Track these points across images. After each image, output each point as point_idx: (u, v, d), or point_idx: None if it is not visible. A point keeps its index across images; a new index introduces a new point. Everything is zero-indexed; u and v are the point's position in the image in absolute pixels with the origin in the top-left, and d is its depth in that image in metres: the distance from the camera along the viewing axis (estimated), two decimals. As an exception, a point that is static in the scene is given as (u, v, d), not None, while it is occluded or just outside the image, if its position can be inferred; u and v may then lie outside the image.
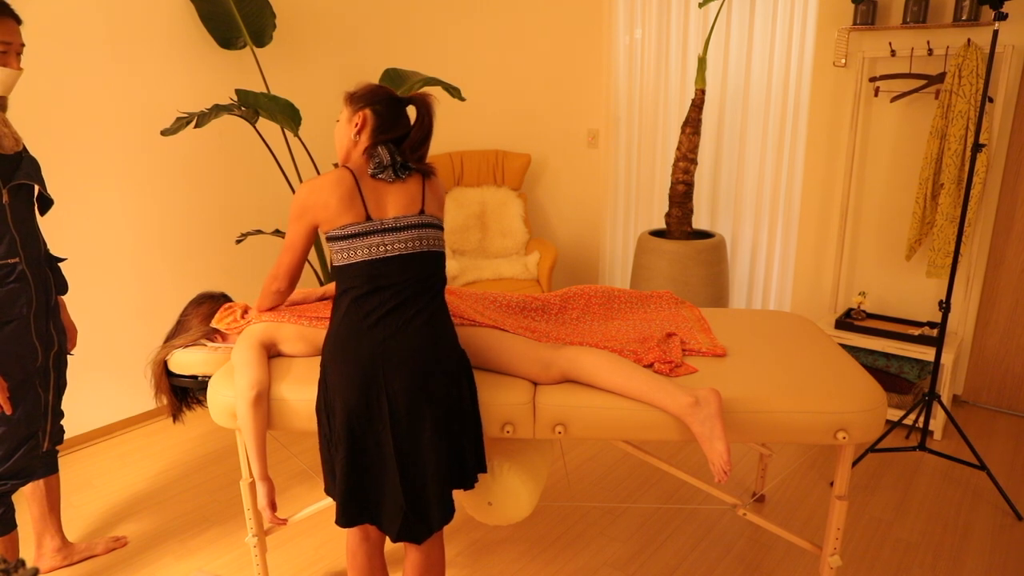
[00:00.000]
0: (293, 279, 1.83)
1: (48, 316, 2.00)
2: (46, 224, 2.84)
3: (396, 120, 1.69)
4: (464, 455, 1.68)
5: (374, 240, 1.62)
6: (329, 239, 1.65)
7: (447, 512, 1.63)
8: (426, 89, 4.31)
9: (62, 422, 2.14)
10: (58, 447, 2.21)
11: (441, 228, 1.74)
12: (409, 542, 1.65)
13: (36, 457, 2.00)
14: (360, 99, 1.69)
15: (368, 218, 1.62)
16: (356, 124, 1.68)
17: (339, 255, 1.63)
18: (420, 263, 1.65)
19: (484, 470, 1.75)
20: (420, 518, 1.62)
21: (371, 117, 1.68)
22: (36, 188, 1.97)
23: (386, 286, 1.61)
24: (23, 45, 1.82)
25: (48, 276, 2.01)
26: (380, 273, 1.61)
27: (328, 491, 1.70)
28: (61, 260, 2.14)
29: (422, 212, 1.68)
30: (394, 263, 1.62)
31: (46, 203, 2.04)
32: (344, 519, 1.63)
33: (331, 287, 2.22)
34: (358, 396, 1.58)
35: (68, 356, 2.18)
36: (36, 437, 1.98)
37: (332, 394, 1.62)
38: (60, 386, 2.09)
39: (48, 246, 2.12)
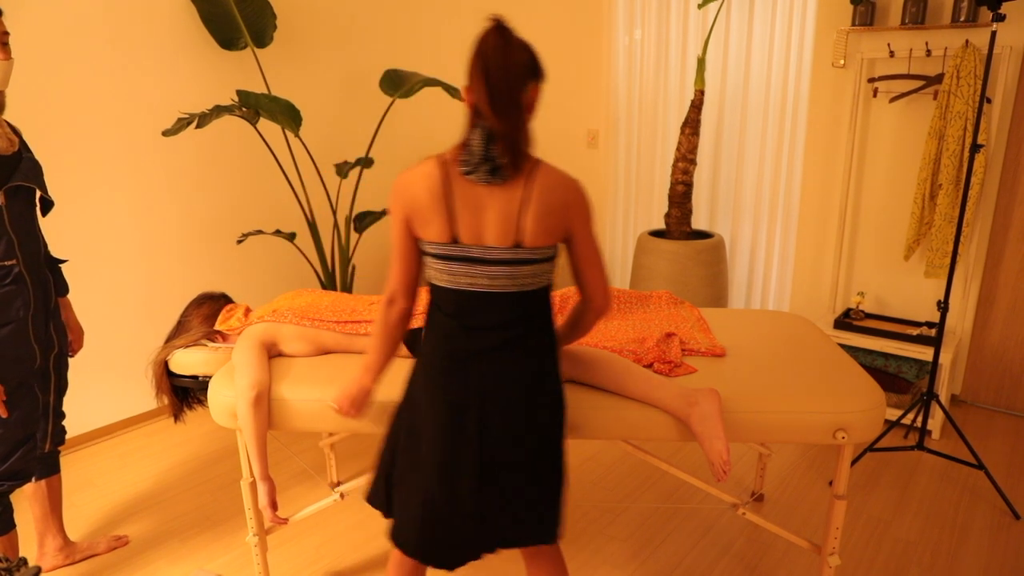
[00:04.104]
0: (407, 288, 1.45)
1: (47, 318, 1.99)
2: (48, 224, 2.85)
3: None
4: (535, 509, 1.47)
5: (456, 268, 1.34)
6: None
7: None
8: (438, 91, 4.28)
9: (63, 423, 2.14)
10: (60, 448, 2.20)
11: (546, 260, 1.37)
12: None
13: (34, 459, 2.00)
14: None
15: (454, 240, 1.33)
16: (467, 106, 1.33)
17: (426, 268, 1.42)
18: (511, 303, 1.37)
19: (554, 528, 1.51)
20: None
21: (466, 90, 1.32)
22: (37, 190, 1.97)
23: (472, 325, 1.37)
24: (7, 33, 1.78)
25: (48, 278, 1.99)
26: (464, 308, 1.37)
27: (376, 502, 1.58)
28: (62, 262, 2.12)
29: (517, 245, 1.32)
30: (479, 300, 1.36)
31: (47, 205, 2.03)
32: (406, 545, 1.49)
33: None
34: (444, 433, 1.41)
35: (68, 357, 2.17)
36: (33, 439, 1.97)
37: (421, 419, 1.45)
38: (60, 387, 2.09)
39: (49, 247, 2.10)
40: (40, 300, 1.94)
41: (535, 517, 1.46)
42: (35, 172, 1.92)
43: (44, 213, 2.04)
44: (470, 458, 1.40)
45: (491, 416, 1.39)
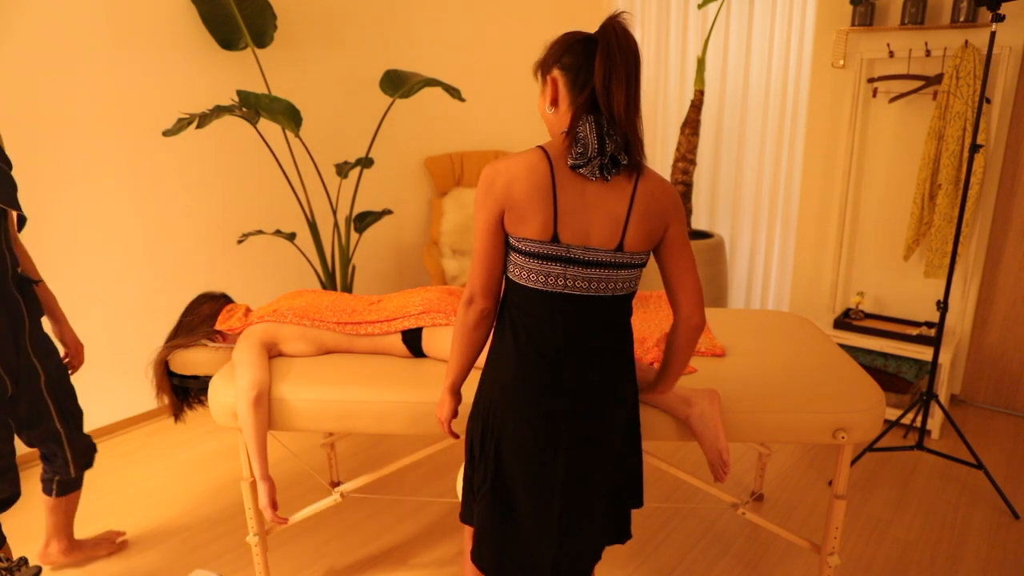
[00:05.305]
0: (489, 287, 1.33)
1: (17, 344, 1.81)
2: (48, 225, 2.85)
3: (593, 70, 1.23)
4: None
5: (553, 269, 1.27)
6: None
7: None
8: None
9: (92, 442, 2.08)
10: (87, 469, 2.15)
11: (640, 266, 1.33)
12: None
13: (16, 485, 1.89)
14: (545, 62, 1.30)
15: (555, 238, 1.25)
16: (549, 95, 1.29)
17: (510, 266, 1.32)
18: (604, 308, 1.31)
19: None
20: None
21: (560, 77, 1.27)
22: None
23: (563, 331, 1.30)
24: None
25: (17, 300, 1.80)
26: (556, 313, 1.29)
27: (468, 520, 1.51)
28: (35, 282, 1.91)
29: (619, 248, 1.27)
30: (573, 304, 1.29)
31: (19, 220, 1.89)
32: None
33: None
34: (530, 455, 1.35)
35: (68, 381, 2.03)
36: (14, 469, 1.86)
37: (502, 441, 1.37)
38: (66, 413, 1.96)
39: (21, 267, 1.87)
40: (7, 326, 1.75)
41: (613, 527, 1.49)
42: (1, 184, 1.72)
43: (19, 228, 1.90)
44: (560, 474, 1.36)
45: (581, 427, 1.34)
